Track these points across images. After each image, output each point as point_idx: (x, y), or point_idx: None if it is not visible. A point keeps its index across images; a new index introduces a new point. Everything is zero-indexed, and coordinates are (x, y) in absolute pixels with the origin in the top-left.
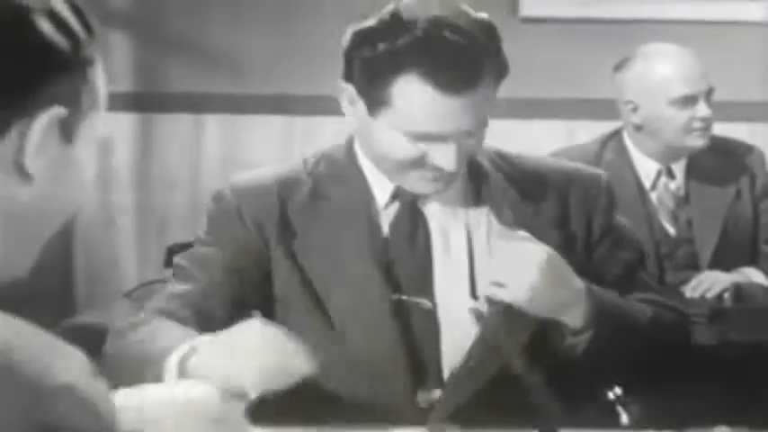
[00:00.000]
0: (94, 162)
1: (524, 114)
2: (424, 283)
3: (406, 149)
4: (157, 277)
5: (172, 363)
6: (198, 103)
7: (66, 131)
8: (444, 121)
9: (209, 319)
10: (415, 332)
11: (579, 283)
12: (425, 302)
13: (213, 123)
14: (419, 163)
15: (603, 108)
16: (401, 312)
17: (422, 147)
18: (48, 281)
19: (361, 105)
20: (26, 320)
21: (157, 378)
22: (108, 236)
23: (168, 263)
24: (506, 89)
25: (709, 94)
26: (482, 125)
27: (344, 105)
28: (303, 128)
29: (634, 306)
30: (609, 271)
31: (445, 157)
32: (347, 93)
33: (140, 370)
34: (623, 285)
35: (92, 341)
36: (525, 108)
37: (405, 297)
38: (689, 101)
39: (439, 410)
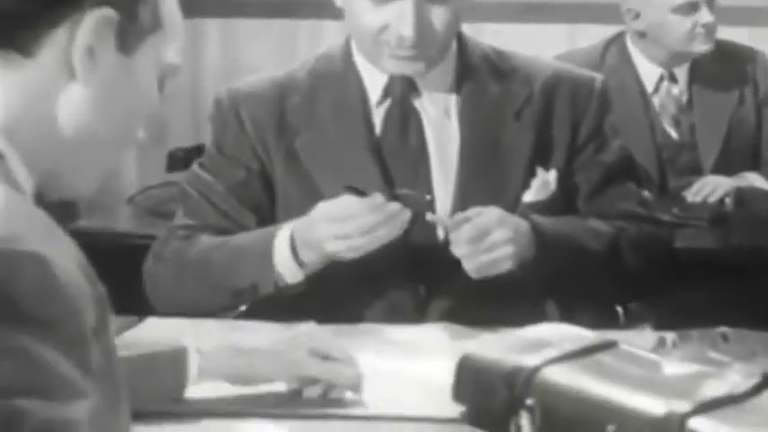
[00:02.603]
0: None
1: (525, 18)
2: (422, 176)
3: (370, 16)
4: (159, 182)
5: (281, 243)
6: (197, 7)
7: (123, 42)
8: None
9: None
10: (415, 225)
11: (524, 224)
12: (424, 195)
13: (213, 28)
14: (383, 32)
15: (605, 12)
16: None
17: (384, 14)
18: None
19: None
20: None
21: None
22: None
23: (170, 167)
24: None
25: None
26: None
27: None
28: (306, 32)
29: (586, 231)
30: (589, 176)
31: (404, 21)
32: None
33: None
34: (602, 191)
35: (94, 246)
36: (526, 12)
37: (404, 190)
38: (691, 7)
39: (435, 305)
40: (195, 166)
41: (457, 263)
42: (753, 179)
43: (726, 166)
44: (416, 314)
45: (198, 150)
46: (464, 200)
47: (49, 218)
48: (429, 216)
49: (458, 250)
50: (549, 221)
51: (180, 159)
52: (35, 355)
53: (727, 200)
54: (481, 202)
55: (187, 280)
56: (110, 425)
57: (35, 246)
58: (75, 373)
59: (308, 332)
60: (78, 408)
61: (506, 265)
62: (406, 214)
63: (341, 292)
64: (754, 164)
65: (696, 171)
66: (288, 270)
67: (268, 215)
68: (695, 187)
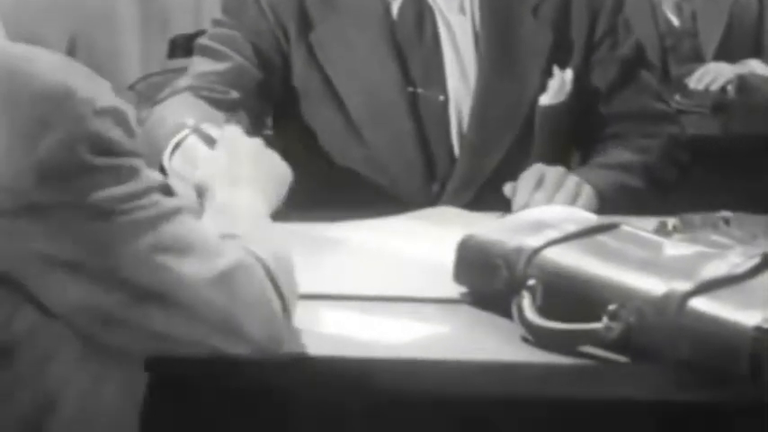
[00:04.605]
0: None
1: None
2: (436, 75)
3: None
4: (160, 69)
5: (173, 140)
6: None
7: None
8: None
9: (239, 99)
10: (428, 125)
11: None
12: (438, 95)
13: None
14: None
15: None
16: (415, 105)
17: None
18: None
19: None
20: None
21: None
22: (110, 29)
23: (171, 54)
24: None
25: None
26: None
27: None
28: None
29: (628, 171)
30: (606, 74)
31: None
32: None
33: (159, 146)
34: (620, 88)
35: None
36: None
37: (419, 90)
38: None
39: (446, 200)
40: (213, 30)
41: (471, 161)
42: (754, 66)
43: (727, 53)
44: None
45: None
46: (483, 102)
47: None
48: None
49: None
50: (596, 176)
51: (181, 47)
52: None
53: (729, 87)
54: (499, 105)
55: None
56: None
57: (111, 102)
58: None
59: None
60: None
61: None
62: None
63: (354, 188)
64: (756, 50)
65: (698, 58)
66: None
67: (281, 78)
68: (697, 74)
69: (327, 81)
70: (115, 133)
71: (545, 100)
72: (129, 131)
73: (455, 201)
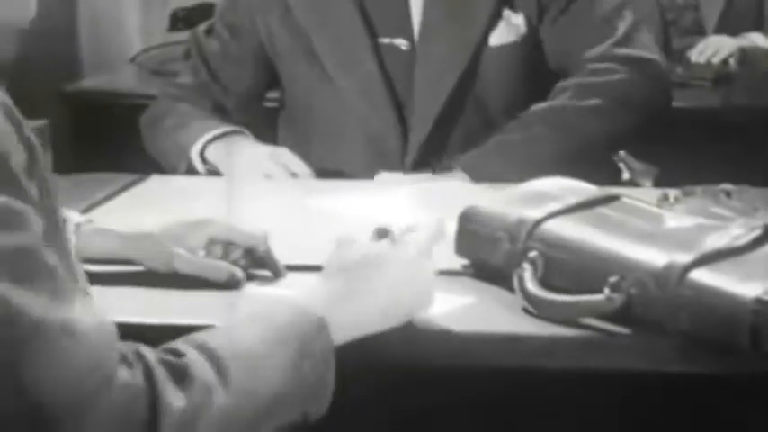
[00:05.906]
0: None
1: None
2: (403, 24)
3: None
4: (162, 42)
5: (195, 151)
6: None
7: None
8: None
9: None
10: (394, 70)
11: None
12: (402, 42)
13: None
14: None
15: None
16: (380, 54)
17: None
18: (53, 46)
19: None
20: (31, 85)
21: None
22: (113, 0)
23: (172, 27)
24: None
25: None
26: None
27: None
28: None
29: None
30: (584, 23)
31: None
32: None
33: (174, 155)
34: (601, 37)
35: (98, 105)
36: None
37: (385, 40)
38: None
39: (412, 138)
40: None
41: (425, 99)
42: (756, 39)
43: (729, 25)
44: (401, 158)
45: (199, 9)
46: (427, 41)
47: None
48: None
49: None
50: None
51: (182, 19)
52: None
53: (731, 60)
54: (443, 44)
55: (152, 140)
56: (58, 251)
57: None
58: (14, 204)
59: (209, 220)
60: (27, 235)
61: None
62: None
63: (328, 142)
64: (758, 23)
65: (699, 31)
66: (198, 164)
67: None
68: (698, 47)
69: (306, 38)
70: None
71: (494, 41)
72: None
73: (418, 137)
